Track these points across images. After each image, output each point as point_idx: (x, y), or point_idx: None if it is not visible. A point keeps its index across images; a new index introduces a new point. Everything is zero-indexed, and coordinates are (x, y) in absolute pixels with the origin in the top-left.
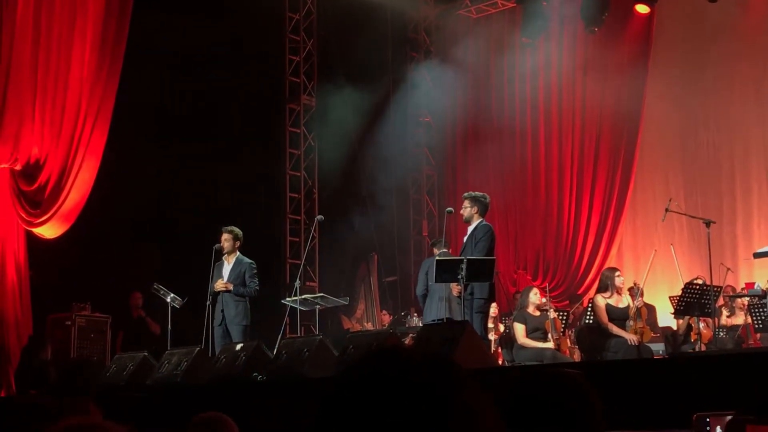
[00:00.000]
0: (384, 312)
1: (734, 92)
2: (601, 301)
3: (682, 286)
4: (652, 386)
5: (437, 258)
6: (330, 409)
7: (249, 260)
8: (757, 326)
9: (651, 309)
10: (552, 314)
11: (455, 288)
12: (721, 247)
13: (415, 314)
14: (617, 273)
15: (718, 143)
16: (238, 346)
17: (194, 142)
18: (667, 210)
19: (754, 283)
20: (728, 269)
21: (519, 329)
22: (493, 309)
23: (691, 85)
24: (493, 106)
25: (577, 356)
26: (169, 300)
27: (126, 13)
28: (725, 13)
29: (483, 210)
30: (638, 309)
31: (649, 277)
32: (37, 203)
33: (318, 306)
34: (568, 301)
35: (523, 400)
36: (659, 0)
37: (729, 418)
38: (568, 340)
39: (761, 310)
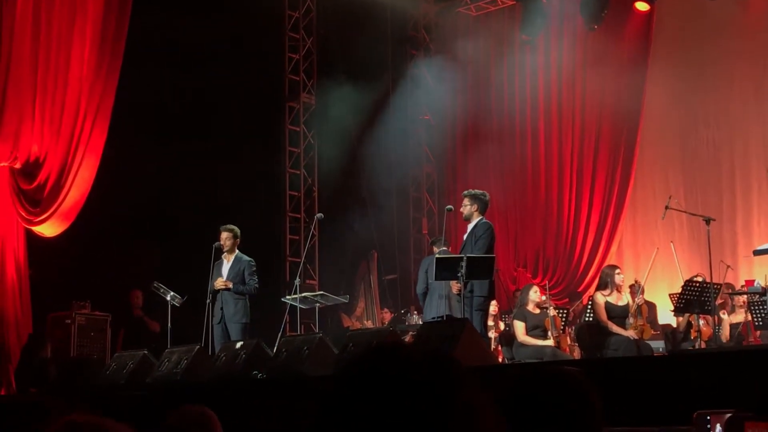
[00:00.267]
0: (385, 310)
1: (734, 89)
2: (600, 298)
3: (682, 284)
4: (652, 383)
5: (437, 256)
6: (330, 409)
7: (248, 258)
8: (757, 323)
9: (651, 306)
10: (552, 312)
11: (455, 286)
12: (721, 244)
13: (415, 312)
14: (617, 271)
15: (718, 141)
16: (238, 345)
17: (194, 140)
18: (667, 207)
19: (754, 281)
20: (728, 266)
21: (519, 327)
22: (493, 307)
23: (691, 83)
24: (493, 104)
25: (577, 354)
26: (168, 298)
27: (125, 11)
28: (725, 10)
29: (483, 208)
30: (639, 306)
31: (649, 275)
32: (37, 201)
33: (318, 304)
34: (568, 299)
35: (523, 399)
36: None
37: (729, 415)
38: (568, 338)
39: (761, 307)
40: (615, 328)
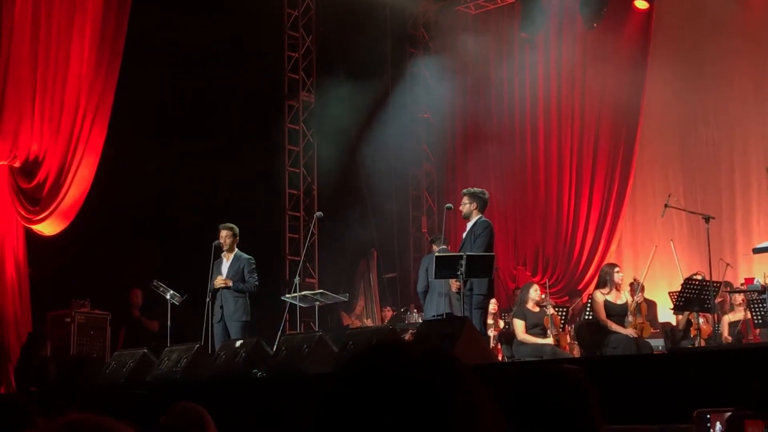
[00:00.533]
0: (386, 308)
1: (733, 88)
2: (599, 297)
3: (682, 282)
4: (652, 382)
5: (436, 254)
6: (329, 407)
7: (247, 256)
8: (756, 322)
9: (651, 305)
10: (551, 310)
11: (454, 284)
12: (721, 242)
13: (415, 310)
14: (616, 269)
15: (718, 139)
16: (238, 343)
17: (193, 139)
18: (666, 206)
19: (753, 279)
20: (728, 265)
21: (519, 325)
22: (493, 305)
23: (690, 81)
24: (492, 102)
25: (576, 352)
26: (168, 297)
27: (125, 10)
28: (724, 9)
29: (482, 206)
30: (638, 305)
31: (648, 273)
32: (36, 200)
33: (317, 302)
34: (567, 297)
35: (523, 397)
36: None
37: (729, 414)
38: (567, 336)
39: (761, 305)
40: (614, 327)
